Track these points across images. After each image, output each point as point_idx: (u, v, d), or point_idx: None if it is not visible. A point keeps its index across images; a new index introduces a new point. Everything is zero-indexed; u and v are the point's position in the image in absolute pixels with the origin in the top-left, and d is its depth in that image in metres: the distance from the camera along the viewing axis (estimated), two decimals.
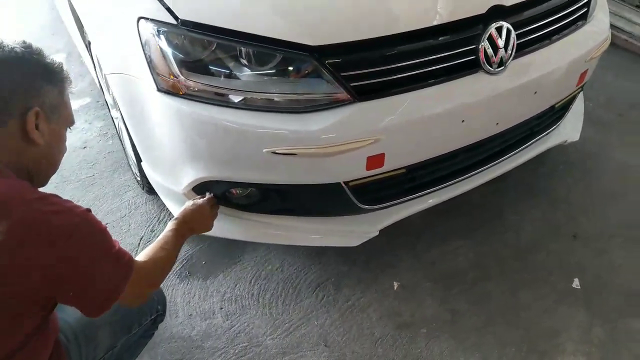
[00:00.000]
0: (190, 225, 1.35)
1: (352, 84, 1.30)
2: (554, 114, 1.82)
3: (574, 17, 1.65)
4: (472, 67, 1.44)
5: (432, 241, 1.89)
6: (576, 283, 1.76)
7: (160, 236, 1.25)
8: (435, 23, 1.35)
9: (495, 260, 1.83)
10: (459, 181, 1.67)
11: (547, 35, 1.57)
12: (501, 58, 1.44)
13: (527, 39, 1.51)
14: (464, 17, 1.38)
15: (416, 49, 1.35)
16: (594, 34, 1.73)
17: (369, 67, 1.30)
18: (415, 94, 1.38)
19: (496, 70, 1.45)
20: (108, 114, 2.32)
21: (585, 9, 1.70)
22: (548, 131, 1.82)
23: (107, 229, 1.02)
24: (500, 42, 1.43)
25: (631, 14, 3.23)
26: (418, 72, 1.37)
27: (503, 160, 1.74)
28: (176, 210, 1.53)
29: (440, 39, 1.38)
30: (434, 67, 1.38)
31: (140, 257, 1.13)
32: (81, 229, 0.93)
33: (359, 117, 1.32)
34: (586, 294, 1.73)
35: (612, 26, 3.28)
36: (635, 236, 1.94)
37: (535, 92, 1.58)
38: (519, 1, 1.46)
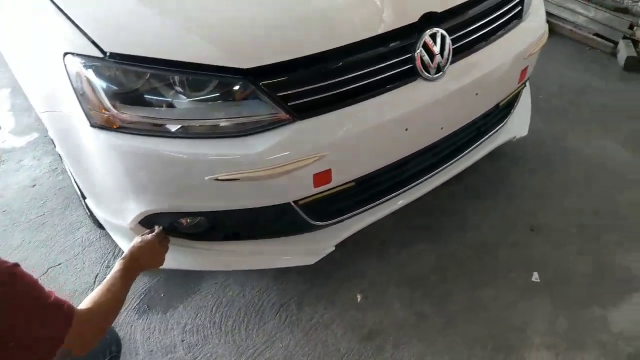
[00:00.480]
0: (140, 263, 1.30)
1: (290, 104, 1.29)
2: (500, 112, 1.85)
3: (509, 16, 1.67)
4: (411, 75, 1.44)
5: (393, 247, 1.89)
6: (535, 277, 1.78)
7: (106, 278, 1.21)
8: (368, 36, 1.35)
9: (457, 261, 1.84)
10: (412, 187, 1.67)
11: (483, 36, 1.59)
12: (438, 64, 1.45)
13: (463, 42, 1.52)
14: (397, 27, 1.38)
15: (351, 63, 1.34)
16: (530, 30, 1.76)
17: (305, 86, 1.29)
18: (356, 107, 1.37)
19: (434, 76, 1.46)
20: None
21: (520, 7, 1.73)
22: (496, 129, 1.85)
23: (48, 275, 0.98)
24: (436, 49, 1.44)
25: (574, 4, 3.33)
26: (357, 85, 1.36)
27: (455, 162, 1.75)
28: (126, 245, 1.49)
29: (375, 50, 1.37)
30: (372, 79, 1.38)
31: (84, 303, 1.09)
32: (11, 286, 0.89)
33: (300, 135, 1.30)
34: (547, 287, 1.75)
35: (558, 17, 3.40)
36: (591, 225, 1.98)
37: (477, 94, 1.59)
38: (450, 7, 1.47)
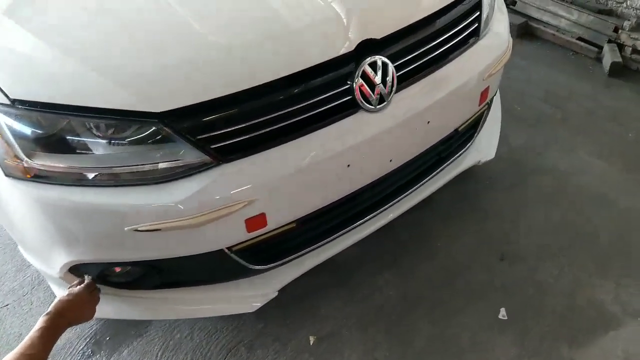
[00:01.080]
0: (66, 319, 1.23)
1: (213, 146, 1.19)
2: (461, 137, 1.74)
3: (463, 35, 1.56)
4: (351, 107, 1.34)
5: (355, 279, 1.79)
6: (502, 313, 1.67)
7: (26, 338, 1.13)
8: (298, 69, 1.25)
9: (421, 295, 1.74)
10: (366, 221, 1.58)
11: (433, 60, 1.48)
12: (380, 94, 1.35)
13: (409, 68, 1.42)
14: (331, 58, 1.28)
15: (280, 99, 1.24)
16: (490, 48, 1.65)
17: (228, 126, 1.19)
18: (289, 145, 1.27)
19: (377, 107, 1.36)
20: None
21: (476, 25, 1.61)
22: (456, 155, 1.74)
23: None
24: (377, 78, 1.33)
25: (556, 7, 3.19)
26: (289, 122, 1.26)
27: (413, 192, 1.65)
28: (61, 292, 1.41)
29: (307, 84, 1.27)
30: (306, 114, 1.28)
31: None
32: None
33: (225, 180, 1.21)
34: (515, 324, 1.65)
35: (539, 21, 3.27)
36: (565, 251, 1.87)
37: (429, 122, 1.49)
38: (390, 32, 1.36)
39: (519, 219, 1.99)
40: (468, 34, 1.58)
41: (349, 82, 1.32)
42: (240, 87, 1.18)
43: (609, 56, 2.87)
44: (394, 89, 1.38)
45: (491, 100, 1.80)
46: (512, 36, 1.78)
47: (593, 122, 2.52)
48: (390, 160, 1.47)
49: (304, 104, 1.27)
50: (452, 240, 1.92)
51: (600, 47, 3.00)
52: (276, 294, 1.48)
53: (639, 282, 1.76)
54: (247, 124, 1.21)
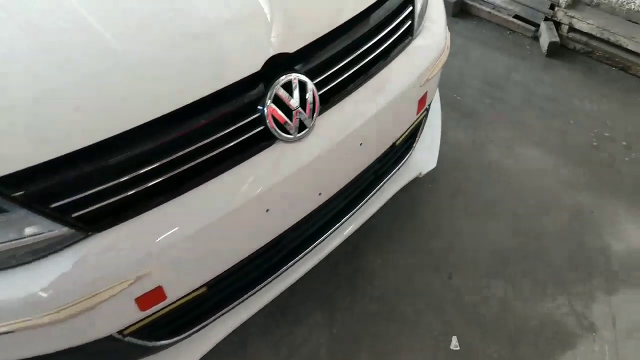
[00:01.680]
0: None
1: (76, 214, 0.88)
2: (399, 150, 1.51)
3: (395, 37, 1.30)
4: (265, 139, 1.07)
5: (283, 325, 1.55)
6: (455, 343, 1.50)
7: None
8: (185, 103, 0.95)
9: (359, 332, 1.53)
10: (295, 263, 1.33)
11: (361, 71, 1.22)
12: (300, 120, 1.08)
13: (334, 84, 1.15)
14: (230, 84, 0.99)
15: (165, 141, 0.93)
16: (426, 49, 1.40)
17: (94, 186, 0.89)
18: (186, 198, 0.98)
19: (298, 136, 1.09)
20: None
21: (409, 22, 1.36)
22: (395, 170, 1.51)
23: None
24: (293, 101, 1.06)
25: None
26: (181, 168, 0.97)
27: (348, 219, 1.42)
28: None
29: (203, 117, 0.98)
30: (206, 156, 0.99)
31: None
32: None
33: (99, 255, 0.91)
34: (468, 354, 1.48)
35: None
36: (514, 265, 1.72)
37: (361, 144, 1.24)
38: (307, 43, 1.08)
39: (462, 232, 1.82)
40: (400, 34, 1.33)
41: (259, 109, 1.04)
42: (105, 133, 0.86)
43: (546, 35, 2.74)
44: (317, 111, 1.12)
45: (429, 105, 1.59)
46: (447, 15, 1.55)
47: (532, 110, 2.39)
48: (320, 194, 1.22)
49: (199, 144, 0.97)
50: (391, 263, 1.71)
51: (537, 25, 2.86)
52: None
53: (593, 290, 1.65)
54: (123, 178, 0.91)
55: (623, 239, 1.80)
